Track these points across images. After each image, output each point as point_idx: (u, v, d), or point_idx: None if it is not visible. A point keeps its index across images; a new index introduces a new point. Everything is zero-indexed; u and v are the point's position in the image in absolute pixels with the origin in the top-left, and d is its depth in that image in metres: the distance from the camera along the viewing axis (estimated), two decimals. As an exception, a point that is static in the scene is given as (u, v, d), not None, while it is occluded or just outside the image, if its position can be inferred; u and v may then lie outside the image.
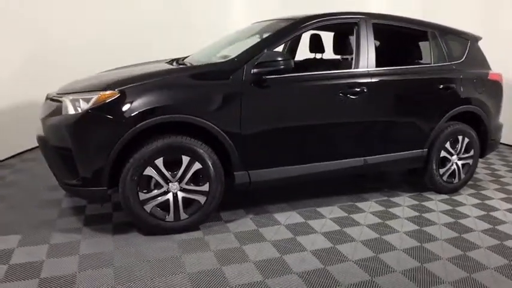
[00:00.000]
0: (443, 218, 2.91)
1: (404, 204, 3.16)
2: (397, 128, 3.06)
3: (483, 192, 3.53)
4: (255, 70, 2.45)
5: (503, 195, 3.46)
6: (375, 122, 2.93)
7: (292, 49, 3.91)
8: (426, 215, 2.95)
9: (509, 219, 2.95)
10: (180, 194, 2.40)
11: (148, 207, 2.34)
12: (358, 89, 2.78)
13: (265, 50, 2.50)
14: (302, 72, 2.65)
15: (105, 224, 2.55)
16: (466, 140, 3.36)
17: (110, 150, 2.19)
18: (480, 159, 3.56)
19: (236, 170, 2.51)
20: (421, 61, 3.41)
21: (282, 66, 2.42)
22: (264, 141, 2.56)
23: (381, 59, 2.95)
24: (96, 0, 4.61)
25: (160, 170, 2.31)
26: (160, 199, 2.36)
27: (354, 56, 2.87)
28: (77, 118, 2.22)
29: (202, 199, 2.44)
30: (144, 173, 2.28)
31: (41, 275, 1.96)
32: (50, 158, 2.46)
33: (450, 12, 5.22)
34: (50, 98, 2.56)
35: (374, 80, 2.86)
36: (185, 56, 3.39)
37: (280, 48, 3.22)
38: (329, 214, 2.87)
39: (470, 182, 3.61)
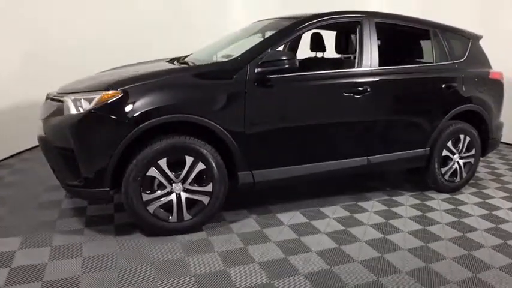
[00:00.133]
0: (447, 217, 2.91)
1: (406, 203, 3.15)
2: (400, 127, 3.06)
3: (484, 191, 3.53)
4: (259, 69, 2.43)
5: (505, 194, 3.47)
6: (379, 122, 2.93)
7: (293, 48, 3.90)
8: (429, 214, 2.95)
9: (512, 218, 2.96)
10: (184, 195, 2.38)
11: (151, 208, 2.32)
12: (362, 89, 2.77)
13: (269, 49, 2.49)
14: (305, 72, 2.63)
15: (106, 225, 2.53)
16: (468, 139, 3.37)
17: (112, 151, 2.17)
18: (480, 158, 3.57)
19: (240, 170, 2.49)
20: (423, 60, 3.41)
21: (287, 66, 2.41)
22: (268, 141, 2.55)
23: (384, 58, 2.94)
24: (96, 0, 4.59)
25: (164, 171, 2.29)
26: (164, 200, 2.34)
27: (357, 55, 2.86)
28: (79, 118, 2.19)
29: (205, 200, 2.42)
30: (148, 173, 2.25)
31: (44, 278, 1.94)
32: (52, 159, 2.43)
33: (450, 12, 5.23)
34: (50, 98, 2.53)
35: (377, 79, 2.85)
36: (186, 55, 3.37)
37: (280, 48, 3.21)
38: (332, 214, 2.86)
39: (471, 181, 3.62)
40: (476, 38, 3.53)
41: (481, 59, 3.50)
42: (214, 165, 2.38)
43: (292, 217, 2.77)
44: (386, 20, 3.07)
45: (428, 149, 3.21)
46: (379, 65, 2.88)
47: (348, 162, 2.86)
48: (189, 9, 5.19)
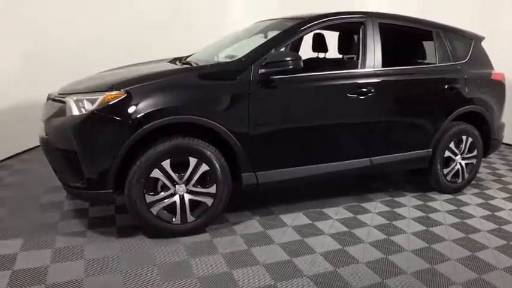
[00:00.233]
0: (449, 219, 2.91)
1: (409, 204, 3.15)
2: (404, 128, 3.05)
3: (486, 191, 3.54)
4: (263, 70, 2.42)
5: (506, 195, 3.47)
6: (382, 123, 2.92)
7: (295, 49, 3.89)
8: (432, 215, 2.94)
9: (515, 219, 2.96)
10: (187, 196, 2.36)
11: (154, 210, 2.30)
12: (366, 89, 2.76)
13: (273, 50, 2.48)
14: (309, 72, 2.62)
15: (108, 227, 2.51)
16: (470, 139, 3.37)
17: (116, 152, 2.15)
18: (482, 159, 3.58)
19: (243, 172, 2.47)
20: (426, 61, 3.41)
21: (291, 66, 2.39)
22: (272, 142, 2.54)
23: (387, 59, 2.94)
24: (96, 0, 4.57)
25: (167, 172, 2.27)
26: (167, 201, 2.32)
27: (360, 55, 2.85)
28: (82, 119, 2.17)
29: (209, 201, 2.41)
30: (151, 175, 2.23)
31: (47, 280, 1.91)
32: (54, 160, 2.41)
33: (450, 12, 5.23)
34: (51, 99, 2.50)
35: (381, 80, 2.85)
36: (187, 55, 3.35)
37: (282, 49, 3.19)
38: (335, 215, 2.85)
39: (472, 182, 3.62)
40: (478, 39, 3.54)
41: (483, 60, 3.50)
42: (217, 167, 2.36)
43: (295, 218, 2.76)
44: (390, 21, 3.06)
45: (431, 150, 3.20)
46: (383, 66, 2.88)
47: (352, 163, 2.85)
48: (189, 9, 5.18)
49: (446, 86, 3.15)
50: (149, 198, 2.27)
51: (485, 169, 4.23)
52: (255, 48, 2.52)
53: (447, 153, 3.29)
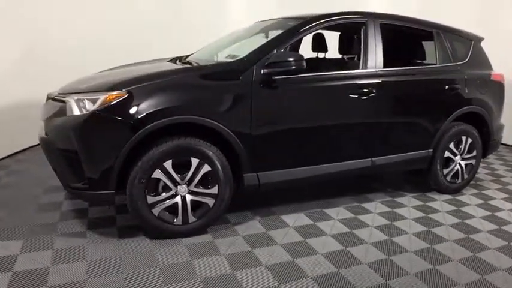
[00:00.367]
0: (450, 219, 2.91)
1: (409, 204, 3.15)
2: (405, 128, 3.06)
3: (485, 192, 3.55)
4: (265, 70, 2.41)
5: (505, 195, 3.49)
6: (384, 123, 2.92)
7: (294, 49, 3.88)
8: (432, 216, 2.95)
9: (515, 219, 2.97)
10: (189, 197, 2.35)
11: (156, 211, 2.28)
12: (367, 90, 2.76)
13: (275, 50, 2.47)
14: (311, 73, 2.61)
15: (109, 227, 2.49)
16: (470, 140, 3.38)
17: (117, 153, 2.13)
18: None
19: (245, 172, 2.46)
20: (426, 61, 3.41)
21: (294, 67, 2.38)
22: (274, 143, 2.53)
23: (388, 60, 2.94)
24: (96, 0, 4.55)
25: (169, 173, 2.26)
26: (169, 202, 2.31)
27: (361, 56, 2.85)
28: (83, 119, 2.15)
29: (211, 202, 2.40)
30: (153, 175, 2.22)
31: (48, 282, 1.89)
32: (54, 160, 2.39)
33: (450, 12, 5.25)
34: (51, 98, 2.48)
35: (382, 80, 2.85)
36: (187, 54, 3.34)
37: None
38: (336, 215, 2.85)
39: (471, 182, 3.63)
40: (478, 39, 3.55)
41: (482, 60, 3.51)
42: (219, 167, 2.35)
43: (296, 219, 2.75)
44: (391, 21, 3.06)
45: (431, 150, 3.21)
46: (384, 67, 2.88)
47: (353, 163, 2.84)
48: (189, 9, 5.17)
49: (446, 87, 3.16)
50: (151, 199, 2.26)
51: (483, 169, 4.24)
52: (257, 48, 2.51)
53: (447, 154, 3.30)
